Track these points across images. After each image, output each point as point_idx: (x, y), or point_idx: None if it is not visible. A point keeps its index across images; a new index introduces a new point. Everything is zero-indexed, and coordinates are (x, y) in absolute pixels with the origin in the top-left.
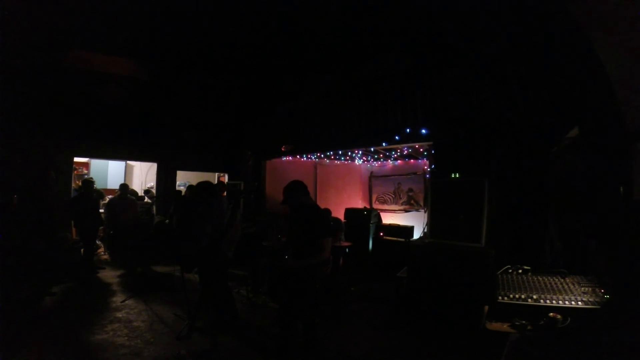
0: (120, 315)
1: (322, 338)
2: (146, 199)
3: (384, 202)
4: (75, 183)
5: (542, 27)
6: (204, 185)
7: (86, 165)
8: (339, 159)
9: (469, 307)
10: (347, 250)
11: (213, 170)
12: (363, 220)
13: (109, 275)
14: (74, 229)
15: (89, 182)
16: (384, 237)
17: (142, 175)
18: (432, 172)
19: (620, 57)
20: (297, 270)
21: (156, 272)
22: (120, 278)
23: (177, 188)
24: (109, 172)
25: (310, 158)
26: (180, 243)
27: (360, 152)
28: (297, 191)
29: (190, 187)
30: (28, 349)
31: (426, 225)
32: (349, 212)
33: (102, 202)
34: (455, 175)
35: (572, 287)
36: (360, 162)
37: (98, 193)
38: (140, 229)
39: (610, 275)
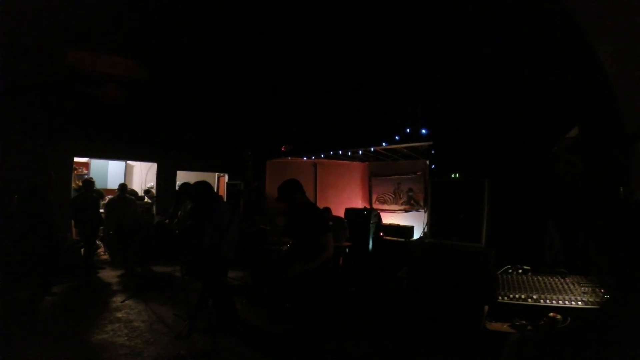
0: (120, 315)
1: (322, 338)
2: (146, 199)
3: (384, 202)
4: (75, 183)
5: (542, 27)
6: (200, 185)
7: (86, 165)
8: (339, 159)
9: (469, 307)
10: (347, 250)
11: (213, 170)
12: (363, 220)
13: (109, 275)
14: (74, 229)
15: (89, 182)
16: (384, 237)
17: (142, 175)
18: (432, 172)
19: (620, 57)
20: (305, 272)
21: (156, 272)
22: (120, 278)
23: (177, 188)
24: (109, 172)
25: (311, 158)
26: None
27: (360, 152)
28: (293, 189)
29: (183, 185)
30: (28, 349)
31: (426, 225)
32: (349, 212)
33: (102, 202)
34: (455, 175)
35: (572, 287)
36: (360, 162)
37: (98, 193)
38: (140, 229)
39: (610, 275)
